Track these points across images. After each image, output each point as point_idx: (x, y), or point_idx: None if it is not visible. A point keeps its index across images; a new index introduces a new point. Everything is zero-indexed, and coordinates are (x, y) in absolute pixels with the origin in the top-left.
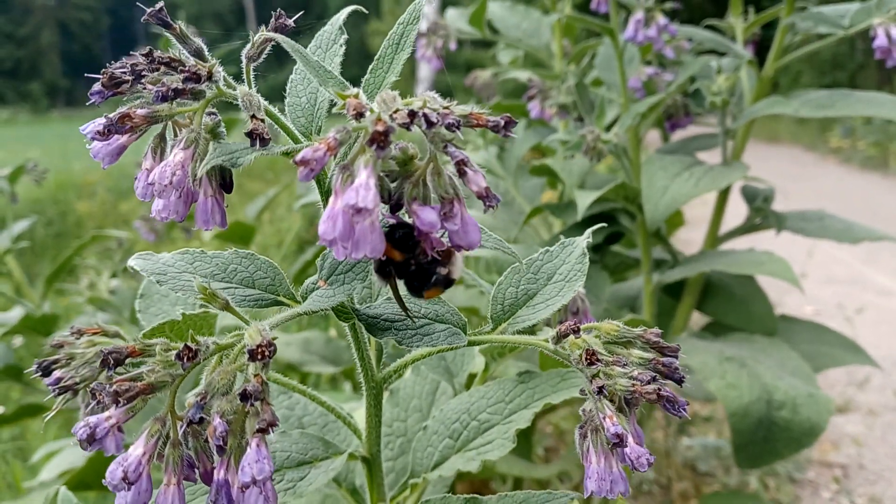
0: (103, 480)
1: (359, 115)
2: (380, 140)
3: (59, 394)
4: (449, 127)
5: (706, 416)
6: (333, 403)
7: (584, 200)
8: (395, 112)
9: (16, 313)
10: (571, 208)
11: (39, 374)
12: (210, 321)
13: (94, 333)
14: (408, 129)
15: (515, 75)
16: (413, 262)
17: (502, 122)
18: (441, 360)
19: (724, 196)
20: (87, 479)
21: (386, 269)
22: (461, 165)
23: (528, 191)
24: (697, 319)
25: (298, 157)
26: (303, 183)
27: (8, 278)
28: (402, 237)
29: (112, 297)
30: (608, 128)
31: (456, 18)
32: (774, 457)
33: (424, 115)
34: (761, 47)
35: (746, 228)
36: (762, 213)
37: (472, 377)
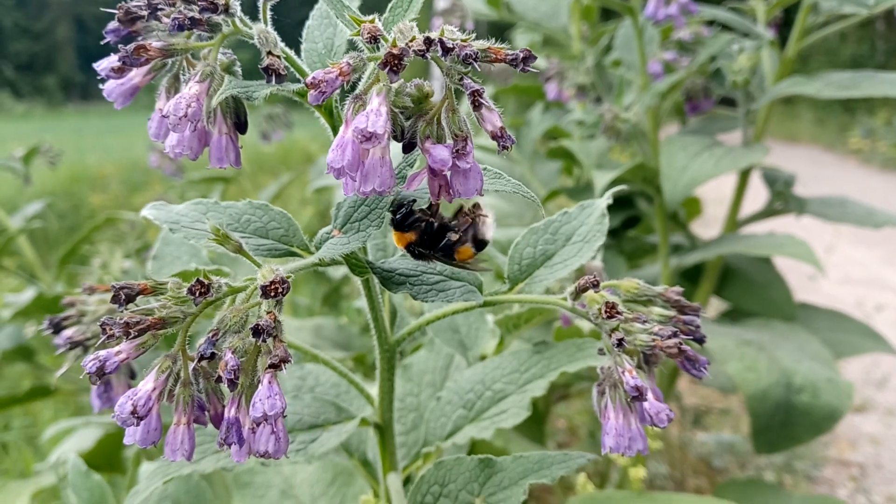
0: (112, 416)
1: (373, 39)
2: (393, 63)
3: (70, 349)
4: (466, 59)
5: (723, 409)
6: (345, 370)
7: (602, 179)
8: (412, 39)
9: (28, 294)
10: (589, 191)
11: (51, 331)
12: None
13: (106, 291)
14: (423, 56)
15: None
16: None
17: (521, 56)
18: (455, 332)
19: (744, 180)
20: (96, 462)
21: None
22: (476, 97)
23: (544, 176)
24: (717, 308)
25: (310, 78)
26: (315, 169)
27: (21, 260)
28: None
29: (125, 277)
30: (627, 108)
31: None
32: (793, 442)
33: (441, 41)
34: (784, 31)
35: (767, 213)
36: (783, 198)
37: (483, 359)
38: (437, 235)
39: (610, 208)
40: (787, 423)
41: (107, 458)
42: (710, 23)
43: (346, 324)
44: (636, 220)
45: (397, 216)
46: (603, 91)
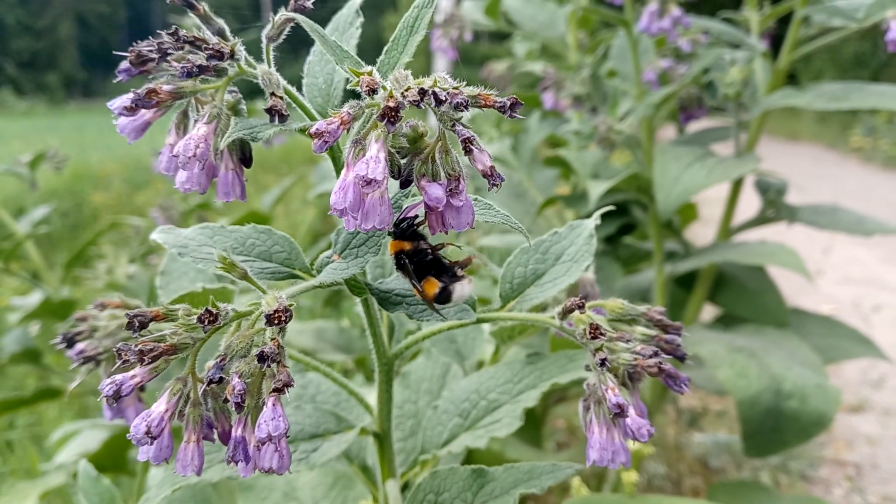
0: (127, 435)
1: (372, 91)
2: (390, 115)
3: (83, 363)
4: (457, 106)
5: (719, 411)
6: (345, 381)
7: (597, 189)
8: (407, 90)
9: (35, 298)
10: (584, 199)
11: (63, 345)
12: (228, 296)
13: (117, 307)
14: (418, 106)
15: (530, 68)
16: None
17: (508, 103)
18: (452, 342)
19: (736, 189)
20: (101, 463)
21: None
22: (467, 143)
23: (541, 182)
24: (711, 313)
25: (313, 128)
26: (317, 174)
27: (26, 262)
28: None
29: (129, 282)
30: (622, 119)
31: (472, 10)
32: (783, 446)
33: (434, 93)
34: (777, 41)
35: (759, 221)
36: (775, 206)
37: (480, 364)
38: (425, 257)
39: (605, 216)
40: (777, 428)
41: (112, 459)
42: (708, 31)
43: (347, 327)
44: (632, 226)
45: (398, 230)
46: (598, 101)
